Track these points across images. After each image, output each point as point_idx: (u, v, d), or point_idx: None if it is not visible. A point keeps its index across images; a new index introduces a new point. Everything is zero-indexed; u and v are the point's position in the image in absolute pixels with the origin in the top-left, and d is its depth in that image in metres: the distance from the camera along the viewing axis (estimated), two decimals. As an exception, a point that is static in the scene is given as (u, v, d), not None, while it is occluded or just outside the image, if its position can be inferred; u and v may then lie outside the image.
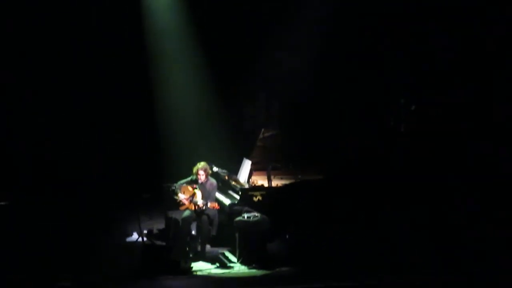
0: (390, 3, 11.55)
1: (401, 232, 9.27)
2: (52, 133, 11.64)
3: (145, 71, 12.11)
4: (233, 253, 9.22)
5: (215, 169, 9.89)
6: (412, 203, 9.35)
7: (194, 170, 9.38)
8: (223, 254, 9.34)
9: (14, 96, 11.47)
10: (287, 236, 9.40)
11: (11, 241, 9.03)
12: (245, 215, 9.04)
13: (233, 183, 9.92)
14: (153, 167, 11.80)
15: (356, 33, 11.59)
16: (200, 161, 9.54)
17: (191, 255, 9.12)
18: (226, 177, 10.10)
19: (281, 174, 10.00)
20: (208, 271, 8.80)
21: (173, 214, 9.45)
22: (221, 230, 9.58)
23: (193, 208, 9.22)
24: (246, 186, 9.74)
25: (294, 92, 11.65)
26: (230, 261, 9.10)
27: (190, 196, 9.22)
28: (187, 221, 9.00)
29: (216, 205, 9.13)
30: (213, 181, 9.47)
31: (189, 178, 9.43)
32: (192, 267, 8.77)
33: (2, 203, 9.19)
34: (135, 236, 9.88)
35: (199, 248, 9.16)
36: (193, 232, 9.29)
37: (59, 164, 11.37)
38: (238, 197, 9.53)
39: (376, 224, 9.28)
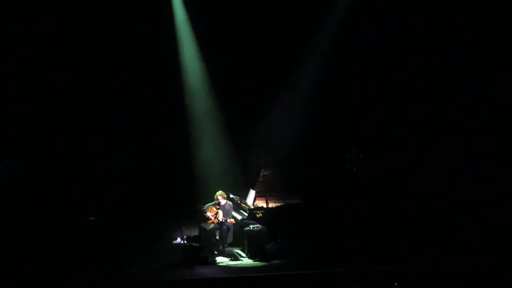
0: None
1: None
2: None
3: (187, 134, 14.38)
4: (243, 251, 11.48)
5: (231, 196, 12.14)
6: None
7: (215, 196, 11.47)
8: (237, 252, 11.53)
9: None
10: (278, 240, 11.78)
11: (96, 243, 11.12)
12: (251, 226, 11.37)
13: (243, 205, 12.21)
14: (188, 193, 13.78)
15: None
16: (218, 190, 11.67)
17: (215, 252, 11.28)
18: (239, 201, 12.30)
19: (274, 199, 12.33)
20: (226, 263, 11.12)
21: (204, 226, 11.52)
22: (235, 236, 11.68)
23: (216, 221, 11.36)
24: (252, 207, 12.06)
25: (283, 148, 14.17)
26: (241, 256, 11.37)
27: (214, 214, 11.39)
28: (213, 230, 11.32)
29: (233, 220, 11.46)
30: (230, 203, 11.67)
31: (213, 202, 11.48)
32: (216, 260, 11.09)
33: (92, 218, 11.51)
34: (178, 240, 12.06)
35: (220, 248, 11.42)
36: (217, 238, 11.45)
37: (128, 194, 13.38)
38: (246, 214, 11.83)
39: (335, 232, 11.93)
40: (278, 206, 12.15)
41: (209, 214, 11.48)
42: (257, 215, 11.81)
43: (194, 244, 11.50)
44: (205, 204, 11.72)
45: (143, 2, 13.43)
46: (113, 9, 13.37)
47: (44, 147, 13.08)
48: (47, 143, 13.11)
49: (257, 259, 11.19)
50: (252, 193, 12.26)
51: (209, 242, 11.31)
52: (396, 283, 9.43)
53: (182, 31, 13.79)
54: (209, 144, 14.60)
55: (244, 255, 11.42)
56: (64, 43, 13.23)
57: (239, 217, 11.94)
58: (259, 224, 11.50)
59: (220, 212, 11.46)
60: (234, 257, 11.36)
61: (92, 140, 13.54)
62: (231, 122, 14.44)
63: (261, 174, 12.26)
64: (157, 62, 13.82)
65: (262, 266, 10.96)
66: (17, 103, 13.05)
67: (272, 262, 11.10)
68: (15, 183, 12.56)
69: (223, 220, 11.41)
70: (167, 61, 13.85)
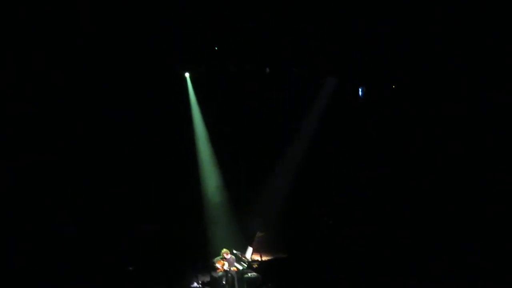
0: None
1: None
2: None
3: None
4: (244, 293, 13.58)
5: (234, 251, 13.87)
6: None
7: (221, 252, 13.66)
8: (239, 294, 13.54)
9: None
10: (269, 285, 13.48)
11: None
12: (249, 274, 13.37)
13: (243, 258, 13.83)
14: (203, 248, 15.31)
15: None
16: (223, 248, 13.76)
17: (223, 294, 13.48)
18: (240, 255, 13.86)
19: (266, 254, 14.16)
20: (232, 302, 13.37)
21: (214, 274, 13.55)
22: (237, 281, 13.39)
23: (223, 270, 13.39)
24: (250, 260, 13.76)
25: (272, 216, 16.20)
26: (243, 297, 13.46)
27: (222, 265, 13.46)
28: (220, 277, 13.42)
29: (235, 269, 13.54)
30: (233, 256, 13.60)
31: (220, 256, 13.59)
32: (224, 300, 13.40)
33: (130, 268, 14.00)
34: (195, 284, 13.70)
35: (227, 290, 13.65)
36: (223, 282, 13.32)
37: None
38: (246, 265, 13.59)
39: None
40: (269, 259, 14.10)
41: (217, 265, 13.63)
42: (253, 266, 13.72)
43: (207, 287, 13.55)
44: (215, 258, 13.87)
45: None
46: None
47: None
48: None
49: (253, 297, 13.12)
50: (250, 249, 14.14)
51: (218, 286, 13.41)
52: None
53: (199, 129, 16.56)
54: (219, 213, 16.70)
55: (244, 295, 13.39)
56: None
57: (240, 267, 13.76)
58: (255, 272, 13.51)
59: (226, 263, 13.59)
60: (238, 298, 13.33)
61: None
62: (235, 199, 16.75)
63: (257, 235, 14.19)
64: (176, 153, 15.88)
65: (258, 303, 13.02)
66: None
67: (264, 300, 13.10)
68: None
69: (228, 269, 13.50)
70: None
